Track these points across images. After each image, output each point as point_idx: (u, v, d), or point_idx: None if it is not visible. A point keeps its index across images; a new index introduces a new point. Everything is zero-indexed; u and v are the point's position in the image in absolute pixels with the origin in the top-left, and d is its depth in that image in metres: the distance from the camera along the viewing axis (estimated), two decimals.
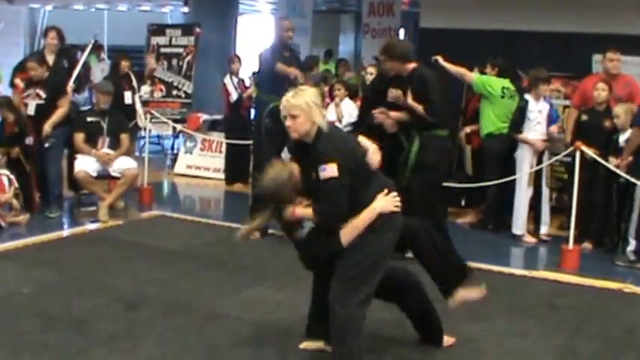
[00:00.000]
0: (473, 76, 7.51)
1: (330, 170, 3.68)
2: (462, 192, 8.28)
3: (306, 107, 3.82)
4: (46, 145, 7.65)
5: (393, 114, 6.34)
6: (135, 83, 9.47)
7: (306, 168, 3.85)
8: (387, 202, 3.85)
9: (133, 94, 9.30)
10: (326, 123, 3.90)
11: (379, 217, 3.81)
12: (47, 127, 7.59)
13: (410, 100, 6.23)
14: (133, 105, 9.18)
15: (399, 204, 3.89)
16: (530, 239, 7.33)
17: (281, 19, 7.34)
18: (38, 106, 7.73)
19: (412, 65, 6.27)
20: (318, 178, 3.73)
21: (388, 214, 3.84)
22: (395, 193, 3.91)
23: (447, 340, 4.50)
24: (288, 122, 3.86)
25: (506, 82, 7.54)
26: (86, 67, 8.71)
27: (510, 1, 8.98)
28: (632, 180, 6.41)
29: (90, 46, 8.67)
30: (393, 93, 6.31)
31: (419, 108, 6.17)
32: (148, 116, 9.25)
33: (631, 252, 6.52)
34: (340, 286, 3.81)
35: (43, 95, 7.70)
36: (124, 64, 9.30)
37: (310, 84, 8.41)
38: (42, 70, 7.70)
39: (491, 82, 7.52)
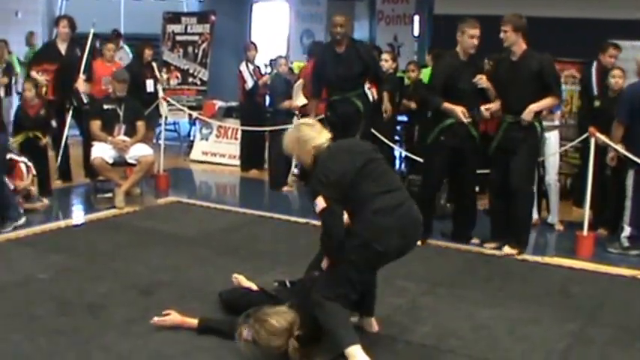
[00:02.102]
0: None
1: (319, 204, 3.87)
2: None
3: (298, 147, 4.12)
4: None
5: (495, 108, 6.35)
6: (157, 72, 9.55)
7: None
8: None
9: (156, 82, 9.36)
10: (326, 148, 4.06)
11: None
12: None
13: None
14: (155, 93, 9.24)
15: None
16: (560, 227, 7.38)
17: (334, 14, 7.20)
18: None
19: (525, 46, 6.15)
20: None
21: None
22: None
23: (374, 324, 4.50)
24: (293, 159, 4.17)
25: None
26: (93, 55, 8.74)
27: None
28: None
29: (91, 34, 8.69)
30: (483, 80, 6.33)
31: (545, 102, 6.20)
32: (165, 103, 9.30)
33: (625, 238, 6.51)
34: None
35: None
36: (148, 53, 9.38)
37: None
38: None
39: None
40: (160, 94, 9.50)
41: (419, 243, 5.45)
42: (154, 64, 9.74)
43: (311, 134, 4.11)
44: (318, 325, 4.01)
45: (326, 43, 7.37)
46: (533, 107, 6.11)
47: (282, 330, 3.92)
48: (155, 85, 9.39)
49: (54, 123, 7.85)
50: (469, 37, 6.30)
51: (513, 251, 6.28)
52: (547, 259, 6.29)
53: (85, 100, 8.32)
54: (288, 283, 4.60)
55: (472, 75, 6.36)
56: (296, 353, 3.92)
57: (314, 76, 7.51)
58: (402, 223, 3.94)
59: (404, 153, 9.18)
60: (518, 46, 6.11)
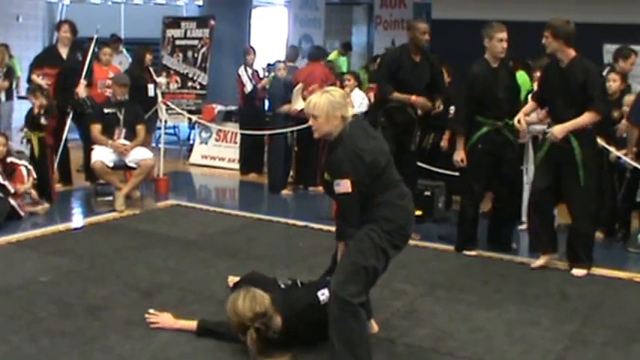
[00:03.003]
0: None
1: (343, 186, 3.78)
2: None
3: (327, 109, 3.90)
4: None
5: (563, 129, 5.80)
6: (154, 76, 9.60)
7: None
8: None
9: (156, 86, 9.41)
10: (349, 123, 3.94)
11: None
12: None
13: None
14: (155, 97, 9.29)
15: None
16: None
17: (416, 21, 6.79)
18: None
19: (573, 53, 5.78)
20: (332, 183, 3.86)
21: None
22: None
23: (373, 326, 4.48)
24: (310, 121, 3.97)
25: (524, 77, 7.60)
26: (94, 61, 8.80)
27: None
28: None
29: (94, 40, 8.74)
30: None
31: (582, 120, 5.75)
32: (164, 107, 9.35)
33: None
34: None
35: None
36: (148, 57, 9.43)
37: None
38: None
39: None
40: (160, 98, 9.56)
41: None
42: (151, 69, 9.79)
43: (342, 102, 3.97)
44: (293, 336, 4.06)
45: (399, 47, 6.98)
46: (567, 126, 5.72)
47: (241, 312, 4.02)
48: (155, 89, 9.43)
49: (43, 120, 7.85)
50: (498, 41, 6.19)
51: (583, 271, 5.91)
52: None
53: (89, 104, 8.36)
54: (299, 283, 4.62)
55: (506, 80, 6.28)
56: (254, 346, 3.96)
57: (385, 78, 6.91)
58: (413, 210, 4.07)
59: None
60: (564, 53, 5.75)
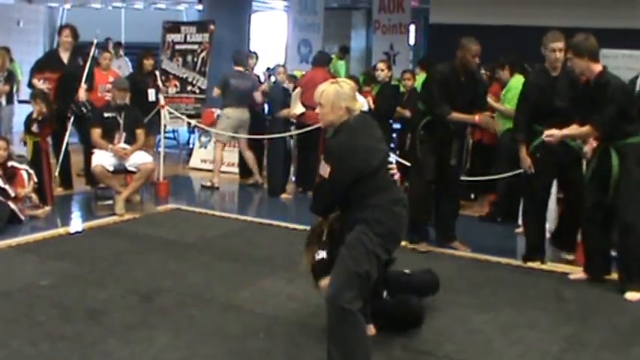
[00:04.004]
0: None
1: (324, 170, 3.85)
2: (471, 185, 8.35)
3: (333, 98, 3.93)
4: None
5: (559, 135, 5.77)
6: (160, 81, 9.64)
7: None
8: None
9: (158, 91, 9.44)
10: (354, 117, 3.97)
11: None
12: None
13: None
14: (157, 102, 9.32)
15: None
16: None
17: (468, 41, 6.40)
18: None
19: (599, 68, 5.61)
20: None
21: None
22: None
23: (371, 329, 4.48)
24: (317, 109, 4.01)
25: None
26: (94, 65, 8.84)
27: None
28: None
29: (94, 45, 8.79)
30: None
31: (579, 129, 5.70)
32: (165, 112, 9.39)
33: None
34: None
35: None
36: (147, 63, 9.47)
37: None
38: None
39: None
40: (162, 102, 9.59)
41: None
42: (157, 73, 9.84)
43: (350, 94, 3.98)
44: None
45: (448, 66, 6.58)
46: (564, 132, 5.72)
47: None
48: (157, 94, 9.46)
49: (35, 128, 7.89)
50: (551, 51, 6.04)
51: (638, 295, 5.54)
52: (541, 265, 6.33)
53: (89, 107, 8.39)
54: None
55: (567, 89, 6.07)
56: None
57: (439, 97, 6.51)
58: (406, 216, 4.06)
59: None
60: (590, 70, 5.60)
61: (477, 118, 6.47)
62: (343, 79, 4.33)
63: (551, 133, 5.76)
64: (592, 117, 5.58)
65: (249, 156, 9.78)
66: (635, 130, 5.59)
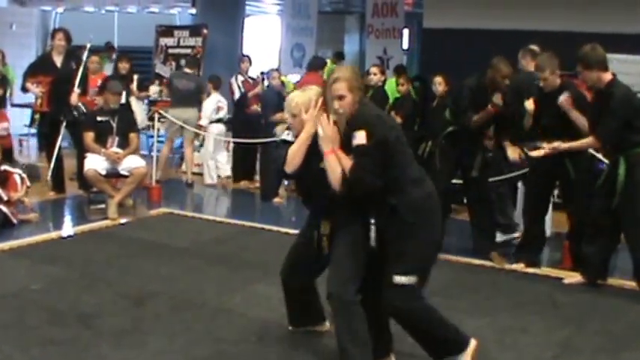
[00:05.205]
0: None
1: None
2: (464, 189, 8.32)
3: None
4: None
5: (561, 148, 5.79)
6: (134, 84, 9.70)
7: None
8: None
9: (128, 95, 9.44)
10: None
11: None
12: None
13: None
14: (127, 104, 9.31)
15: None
16: None
17: (500, 62, 6.26)
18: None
19: (609, 77, 5.56)
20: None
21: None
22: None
23: None
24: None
25: None
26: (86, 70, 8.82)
27: (513, 1, 9.03)
28: None
29: (87, 49, 8.77)
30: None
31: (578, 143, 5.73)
32: (157, 115, 9.38)
33: None
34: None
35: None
36: (121, 66, 9.57)
37: None
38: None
39: None
40: (134, 106, 9.80)
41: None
42: (135, 77, 9.94)
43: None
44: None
45: (476, 81, 6.48)
46: (563, 146, 5.76)
47: None
48: (127, 96, 9.45)
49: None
50: (538, 78, 6.06)
51: None
52: (536, 270, 6.33)
53: (83, 110, 8.37)
54: None
55: (555, 108, 5.98)
56: None
57: (468, 110, 6.49)
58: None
59: None
60: (600, 81, 5.54)
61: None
62: (310, 87, 4.28)
63: (554, 147, 5.76)
64: (596, 128, 5.57)
65: (188, 154, 10.15)
66: None
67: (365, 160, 3.73)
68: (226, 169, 10.54)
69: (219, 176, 10.42)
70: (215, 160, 10.39)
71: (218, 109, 10.30)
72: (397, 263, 3.84)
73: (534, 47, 6.90)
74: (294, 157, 4.00)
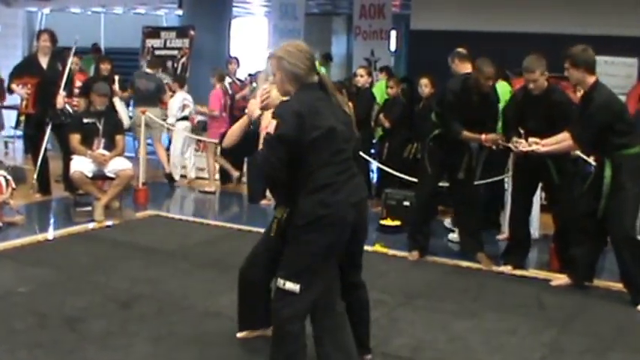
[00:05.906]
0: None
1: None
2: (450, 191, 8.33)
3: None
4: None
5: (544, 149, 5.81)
6: (116, 85, 9.72)
7: None
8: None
9: (111, 96, 9.43)
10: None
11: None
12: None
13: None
14: (111, 106, 9.29)
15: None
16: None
17: (483, 63, 6.28)
18: None
19: (593, 79, 5.57)
20: None
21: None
22: None
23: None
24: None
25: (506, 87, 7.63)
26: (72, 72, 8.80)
27: (501, 3, 9.07)
28: None
29: (72, 51, 8.74)
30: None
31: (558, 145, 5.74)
32: (144, 118, 9.34)
33: None
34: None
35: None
36: (103, 67, 9.61)
37: None
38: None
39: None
40: (118, 106, 9.90)
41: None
42: (116, 78, 9.95)
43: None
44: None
45: (461, 85, 6.50)
46: (542, 149, 5.82)
47: None
48: (111, 98, 9.44)
49: None
50: (526, 80, 6.05)
51: None
52: (523, 271, 6.35)
53: (68, 114, 8.34)
54: None
55: (541, 109, 6.05)
56: None
57: (452, 116, 6.51)
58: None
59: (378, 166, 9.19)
60: (584, 82, 5.59)
61: (483, 137, 6.39)
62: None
63: (532, 149, 5.81)
64: (572, 129, 5.60)
65: (161, 150, 10.40)
66: (629, 141, 5.53)
67: (267, 149, 3.63)
68: (192, 171, 10.71)
69: (183, 176, 10.48)
70: (182, 159, 10.56)
71: (184, 107, 10.38)
72: (281, 265, 3.72)
73: (461, 50, 6.94)
74: (231, 136, 4.51)
